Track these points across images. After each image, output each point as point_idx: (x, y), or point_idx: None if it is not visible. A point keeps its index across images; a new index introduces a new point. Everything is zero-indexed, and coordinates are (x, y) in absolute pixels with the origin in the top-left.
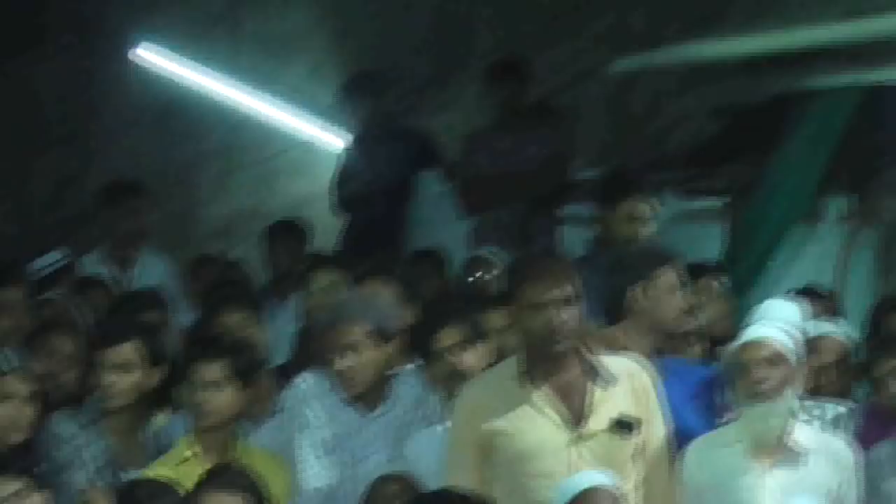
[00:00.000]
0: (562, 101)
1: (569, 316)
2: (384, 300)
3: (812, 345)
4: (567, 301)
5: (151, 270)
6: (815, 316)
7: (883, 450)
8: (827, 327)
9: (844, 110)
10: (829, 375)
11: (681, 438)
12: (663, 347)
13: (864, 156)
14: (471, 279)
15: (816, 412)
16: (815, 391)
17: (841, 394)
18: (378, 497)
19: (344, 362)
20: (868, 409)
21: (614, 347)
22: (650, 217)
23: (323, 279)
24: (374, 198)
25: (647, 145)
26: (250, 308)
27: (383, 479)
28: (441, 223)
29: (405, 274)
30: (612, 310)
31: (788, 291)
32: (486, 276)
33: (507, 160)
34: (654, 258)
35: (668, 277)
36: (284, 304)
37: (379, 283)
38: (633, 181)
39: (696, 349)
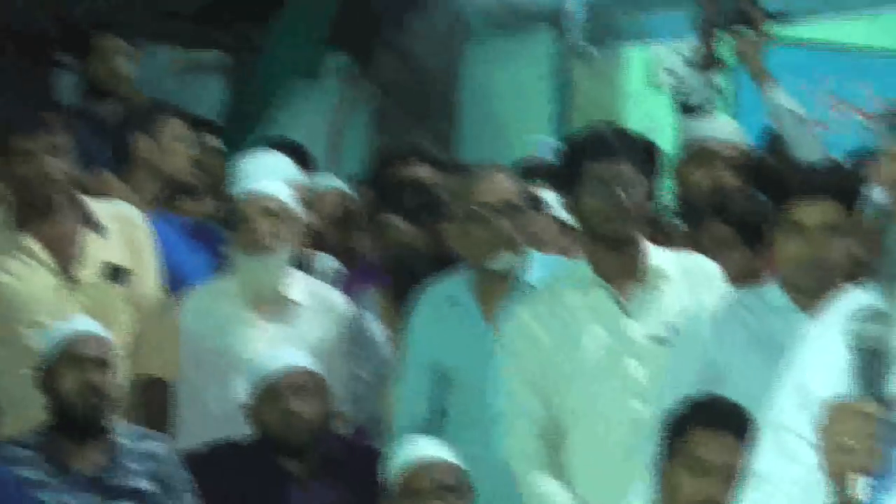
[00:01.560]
0: None
1: (58, 163)
2: None
3: (314, 199)
4: (55, 148)
5: None
6: (302, 170)
7: (366, 295)
8: (327, 181)
9: None
10: (330, 229)
11: (177, 285)
12: (168, 205)
13: (365, 13)
14: None
15: (310, 265)
16: (318, 245)
17: (344, 248)
18: None
19: None
20: (360, 261)
21: (110, 195)
22: (126, 60)
23: None
24: None
25: None
26: None
27: None
28: None
29: None
30: (117, 158)
31: (272, 144)
32: None
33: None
34: (158, 108)
35: (173, 127)
36: None
37: None
38: (107, 26)
39: (201, 204)
